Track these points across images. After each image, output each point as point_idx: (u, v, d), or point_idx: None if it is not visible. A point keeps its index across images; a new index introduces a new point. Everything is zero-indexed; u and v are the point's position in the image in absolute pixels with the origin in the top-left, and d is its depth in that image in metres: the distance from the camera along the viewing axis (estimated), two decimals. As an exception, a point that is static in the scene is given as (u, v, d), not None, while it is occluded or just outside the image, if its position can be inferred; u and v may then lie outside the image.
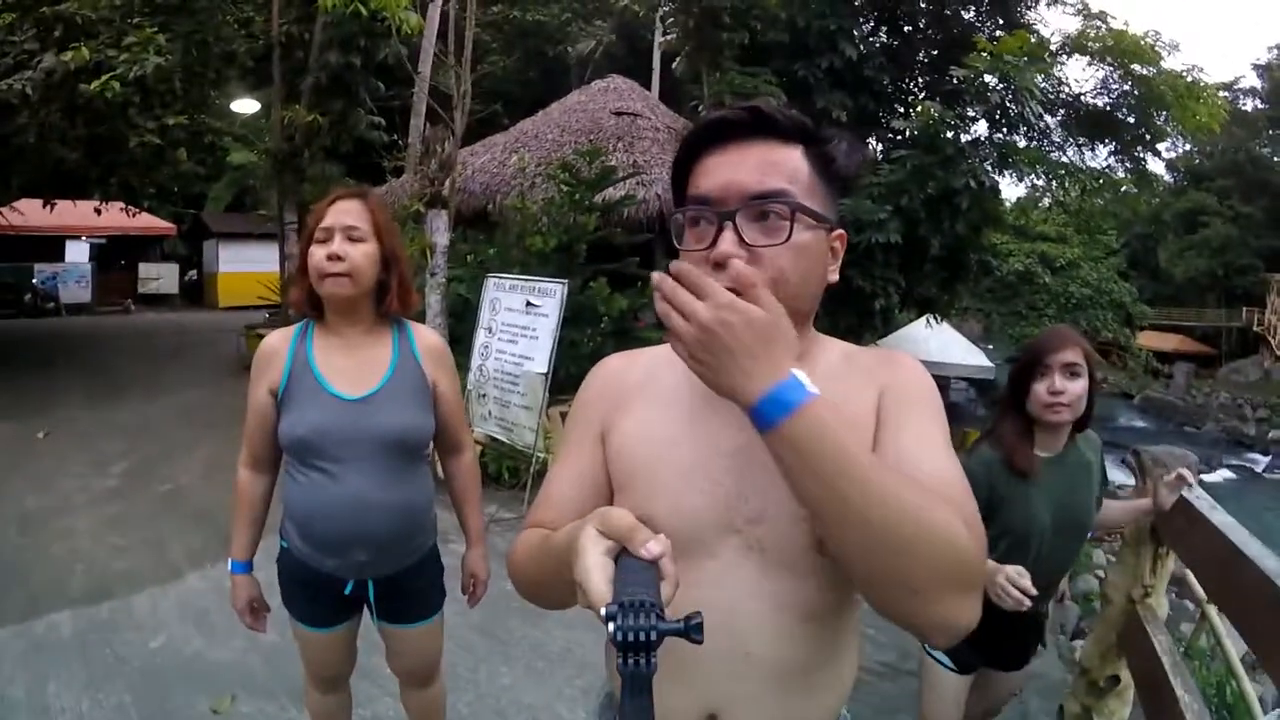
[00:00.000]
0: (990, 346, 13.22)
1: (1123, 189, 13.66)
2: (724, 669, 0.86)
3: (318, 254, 1.58)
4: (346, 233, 1.59)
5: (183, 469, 5.86)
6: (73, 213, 13.81)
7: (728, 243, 0.79)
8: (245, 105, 11.15)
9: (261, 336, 9.20)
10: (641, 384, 0.94)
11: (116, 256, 18.73)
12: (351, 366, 1.63)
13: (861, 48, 8.68)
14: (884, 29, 10.22)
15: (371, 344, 1.67)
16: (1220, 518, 1.69)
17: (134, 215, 12.95)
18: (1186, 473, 1.96)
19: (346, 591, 1.72)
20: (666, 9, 9.13)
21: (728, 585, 0.85)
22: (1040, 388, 1.78)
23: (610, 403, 0.97)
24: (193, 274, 20.14)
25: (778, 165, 0.82)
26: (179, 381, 9.22)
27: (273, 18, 9.40)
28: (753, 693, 0.87)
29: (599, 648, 3.66)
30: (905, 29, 10.31)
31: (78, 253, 17.68)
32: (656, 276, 0.72)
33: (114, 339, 12.88)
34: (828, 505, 0.68)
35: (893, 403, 0.84)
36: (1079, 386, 1.77)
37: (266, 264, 12.09)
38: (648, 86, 13.61)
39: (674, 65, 9.83)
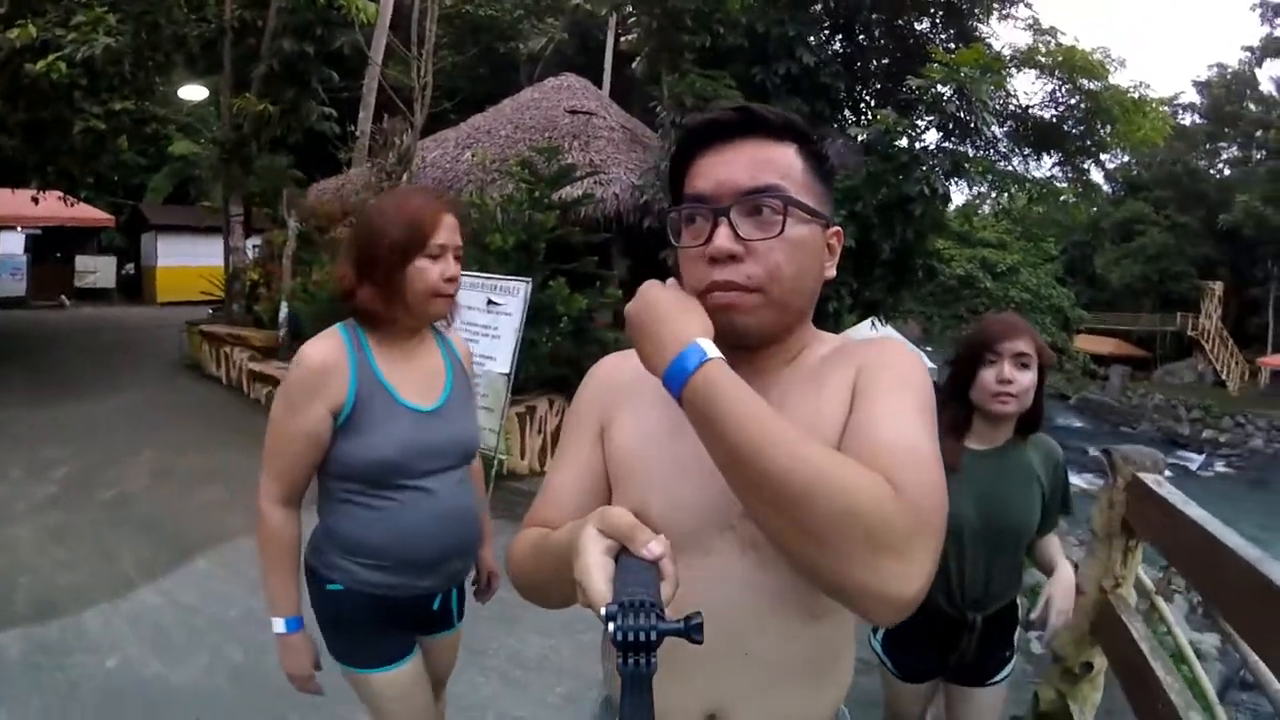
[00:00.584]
0: (930, 348, 13.57)
1: (1064, 198, 14.14)
2: (723, 667, 0.87)
3: (432, 271, 1.48)
4: (456, 252, 1.53)
5: (128, 474, 5.60)
6: (9, 201, 13.14)
7: (722, 238, 0.81)
8: (193, 92, 10.81)
9: (205, 333, 8.99)
10: (638, 382, 0.93)
11: (52, 249, 17.84)
12: (416, 377, 1.56)
13: (818, 55, 8.79)
14: (840, 37, 10.38)
15: (426, 352, 1.61)
16: (1195, 511, 1.69)
17: (72, 205, 12.37)
18: (1068, 613, 1.83)
19: (435, 607, 1.64)
20: (628, 9, 9.11)
21: (725, 582, 0.86)
22: (988, 375, 1.70)
23: (608, 401, 0.98)
24: (130, 267, 19.31)
25: (770, 162, 0.84)
26: (119, 381, 8.80)
27: (225, 1, 9.11)
28: (752, 690, 0.88)
29: (577, 655, 3.55)
30: (860, 38, 10.50)
31: (12, 244, 16.83)
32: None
33: (50, 335, 12.28)
34: (726, 461, 0.71)
35: (865, 378, 0.85)
36: (1028, 378, 1.70)
37: (209, 258, 11.72)
38: (599, 85, 13.60)
39: (633, 65, 9.83)
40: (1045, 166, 12.77)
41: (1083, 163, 12.57)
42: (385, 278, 1.47)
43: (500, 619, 3.08)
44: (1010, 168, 12.52)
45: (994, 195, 13.27)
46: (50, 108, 7.62)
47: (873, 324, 9.12)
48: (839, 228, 0.91)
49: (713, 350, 0.74)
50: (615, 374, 1.00)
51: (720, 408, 0.70)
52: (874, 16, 10.17)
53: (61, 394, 7.95)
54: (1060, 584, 1.81)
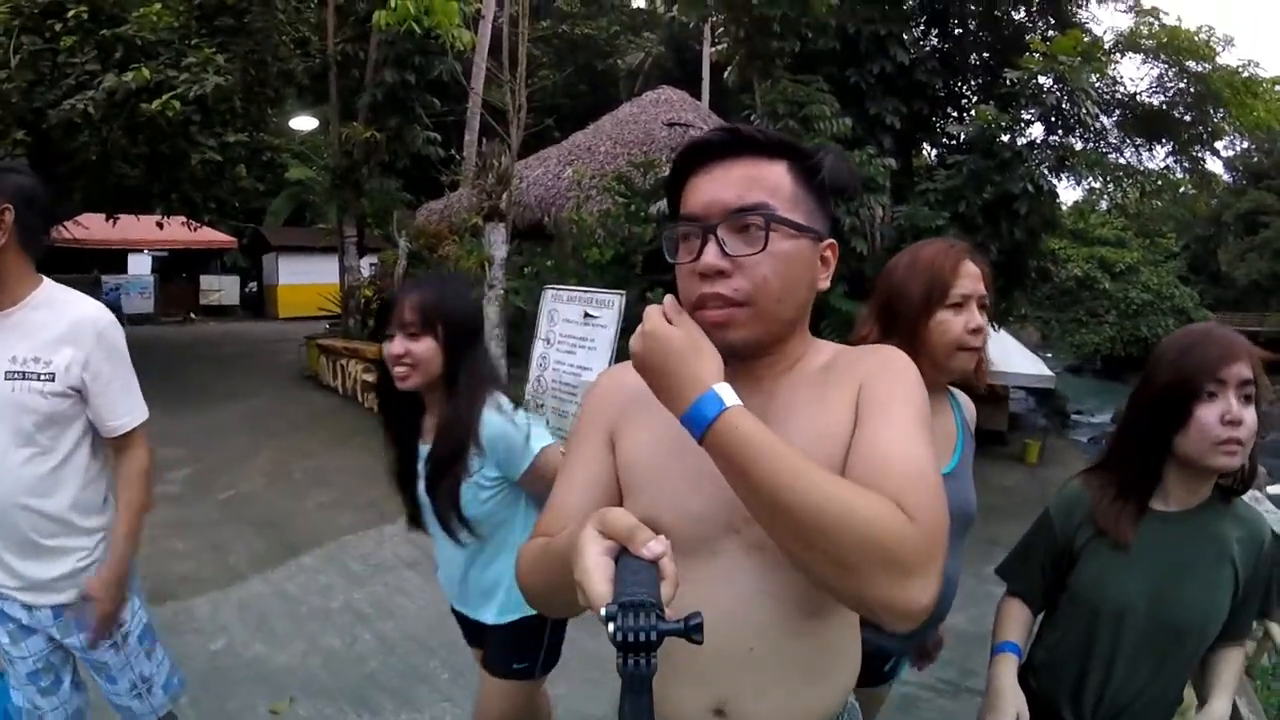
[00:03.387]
0: (1049, 355, 12.88)
1: (1181, 190, 13.28)
2: (729, 664, 0.89)
3: (955, 324, 1.43)
4: (980, 301, 1.46)
5: (245, 476, 5.96)
6: (135, 226, 14.30)
7: (710, 254, 0.85)
8: (303, 122, 11.52)
9: (322, 346, 9.52)
10: (644, 393, 0.93)
11: (178, 269, 19.47)
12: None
13: (913, 52, 8.57)
14: (935, 32, 10.08)
15: (940, 411, 1.57)
16: None
17: (195, 229, 13.39)
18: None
19: None
20: (716, 19, 9.15)
21: (731, 583, 0.88)
22: (1209, 414, 1.22)
23: (616, 411, 0.99)
24: (253, 286, 20.83)
25: (758, 180, 0.86)
26: (240, 390, 9.36)
27: (328, 37, 9.68)
28: (758, 686, 0.90)
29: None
30: (956, 32, 10.16)
31: (140, 265, 18.41)
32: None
33: (176, 348, 13.26)
34: (753, 501, 0.76)
35: (867, 395, 0.87)
36: (1254, 415, 1.23)
37: (325, 276, 12.41)
38: (698, 97, 13.66)
39: (725, 75, 9.84)
40: (1159, 157, 12.03)
41: (1198, 151, 11.80)
42: (908, 332, 1.43)
43: (580, 622, 3.09)
44: (1121, 160, 11.85)
45: (1108, 190, 12.55)
46: (168, 142, 8.25)
47: (986, 330, 8.79)
48: (833, 240, 0.94)
49: (730, 397, 0.77)
50: (621, 385, 1.01)
51: (743, 453, 0.74)
52: (969, 8, 9.84)
53: (185, 401, 8.49)
54: None
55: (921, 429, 0.84)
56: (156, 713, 1.86)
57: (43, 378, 1.57)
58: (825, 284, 0.94)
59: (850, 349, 0.99)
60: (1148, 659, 1.31)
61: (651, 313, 0.84)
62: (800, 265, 0.88)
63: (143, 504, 1.77)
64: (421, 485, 1.67)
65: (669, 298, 0.86)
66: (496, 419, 1.62)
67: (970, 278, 1.44)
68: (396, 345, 1.60)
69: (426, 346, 1.59)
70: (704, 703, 0.91)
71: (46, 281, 1.66)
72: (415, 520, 1.78)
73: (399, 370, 1.61)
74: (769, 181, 0.87)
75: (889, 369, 0.90)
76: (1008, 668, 1.39)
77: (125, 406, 1.73)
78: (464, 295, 1.80)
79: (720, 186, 0.87)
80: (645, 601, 0.61)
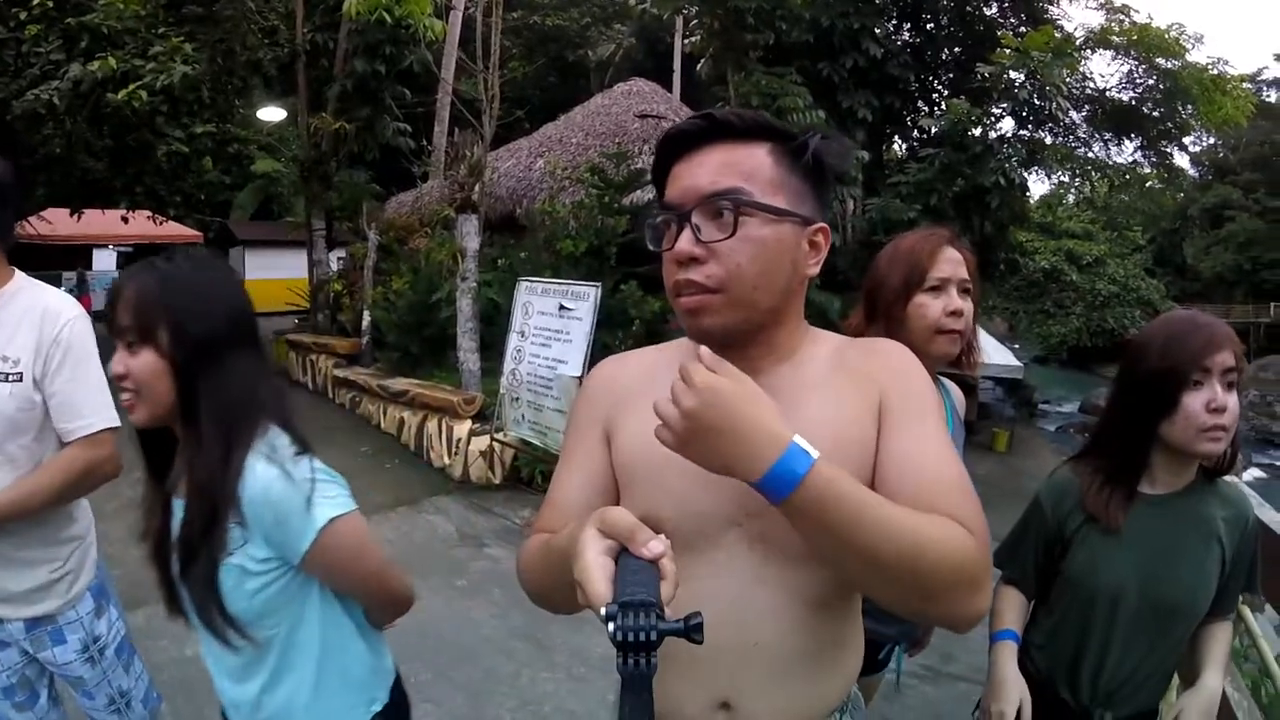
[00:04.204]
0: (1016, 345, 13.09)
1: (1149, 184, 13.57)
2: (733, 659, 0.88)
3: (933, 307, 1.43)
4: (961, 286, 1.45)
5: None
6: (100, 221, 14.00)
7: (683, 241, 0.84)
8: (271, 113, 11.28)
9: (292, 342, 9.39)
10: (641, 385, 0.95)
11: (144, 264, 19.08)
12: None
13: (885, 46, 8.62)
14: (907, 27, 10.17)
15: None
16: (1270, 515, 1.59)
17: (160, 224, 13.09)
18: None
19: None
20: (690, 11, 9.15)
21: (733, 576, 0.87)
22: (1195, 402, 1.25)
23: (610, 404, 0.98)
24: (220, 280, 20.47)
25: (734, 165, 0.85)
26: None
27: (297, 26, 9.48)
28: (763, 680, 0.89)
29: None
30: (929, 27, 10.26)
31: (105, 262, 17.99)
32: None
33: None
34: (839, 553, 0.74)
35: (894, 405, 0.87)
36: (1235, 403, 1.26)
37: (293, 270, 12.20)
38: (669, 89, 13.64)
39: (698, 67, 9.85)
40: (1127, 152, 12.28)
41: (1165, 146, 12.06)
42: (886, 317, 1.45)
43: (570, 618, 3.10)
44: (1090, 154, 12.06)
45: (1076, 184, 12.79)
46: (133, 133, 8.11)
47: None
48: (824, 225, 0.90)
49: (812, 448, 0.72)
50: (616, 377, 1.00)
51: (837, 511, 0.71)
52: (941, 3, 9.94)
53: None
54: (1197, 703, 1.32)
55: (947, 437, 0.86)
56: None
57: (10, 378, 1.47)
58: (814, 270, 0.91)
59: (852, 343, 0.97)
60: (1142, 639, 1.34)
61: (695, 368, 0.73)
62: (778, 251, 0.86)
63: (40, 494, 1.52)
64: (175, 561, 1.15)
65: (704, 348, 0.77)
66: (264, 472, 1.07)
67: (950, 262, 1.44)
68: (115, 362, 1.10)
69: (146, 363, 1.07)
70: (708, 699, 0.90)
71: (19, 274, 1.55)
72: (173, 604, 1.23)
73: (124, 398, 1.12)
74: (745, 166, 0.85)
75: (909, 375, 0.90)
76: (1008, 655, 1.40)
77: (83, 409, 1.54)
78: (205, 283, 1.16)
79: (696, 173, 0.86)
80: (645, 601, 0.61)
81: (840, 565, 0.78)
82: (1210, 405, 1.24)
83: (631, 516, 0.69)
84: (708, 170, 0.85)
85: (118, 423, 1.58)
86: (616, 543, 0.68)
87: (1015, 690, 1.34)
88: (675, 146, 0.89)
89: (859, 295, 1.59)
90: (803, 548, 0.83)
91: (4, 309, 1.50)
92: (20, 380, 1.47)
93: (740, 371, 0.75)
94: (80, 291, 16.89)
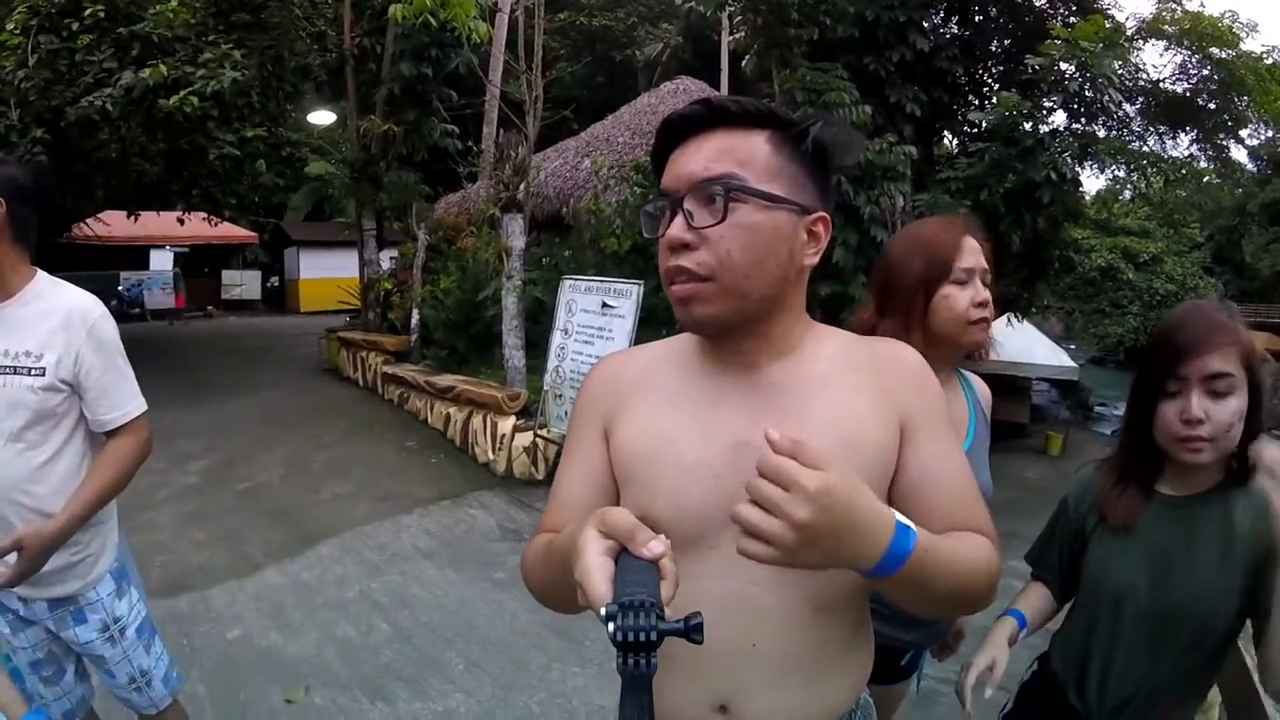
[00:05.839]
0: (1073, 346, 12.71)
1: (1206, 179, 13.08)
2: (732, 660, 0.87)
3: (960, 298, 1.41)
4: (984, 276, 1.44)
5: (263, 467, 5.99)
6: (156, 223, 14.54)
7: (675, 227, 0.84)
8: (321, 117, 11.58)
9: (342, 339, 9.61)
10: (641, 381, 0.95)
11: (200, 265, 19.68)
12: None
13: (933, 39, 8.46)
14: (955, 19, 9.95)
15: (948, 392, 1.53)
16: None
17: (216, 225, 13.55)
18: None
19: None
20: (734, 8, 9.10)
21: (731, 576, 0.86)
22: (1169, 411, 1.21)
23: (611, 401, 0.97)
24: (274, 280, 21.07)
25: (729, 151, 0.84)
26: (260, 382, 9.43)
27: (344, 31, 9.72)
28: (762, 683, 0.88)
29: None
30: (977, 19, 10.03)
31: (162, 261, 18.62)
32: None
33: (198, 342, 13.45)
34: (917, 598, 0.81)
35: (919, 417, 0.89)
36: (1228, 410, 1.19)
37: (346, 270, 12.50)
38: (717, 87, 13.62)
39: (743, 64, 9.79)
40: (1183, 145, 11.85)
41: (1222, 140, 11.62)
42: (905, 309, 1.42)
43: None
44: (1145, 148, 11.68)
45: (1132, 179, 12.41)
46: (186, 138, 8.32)
47: (1008, 320, 8.68)
48: (824, 214, 0.88)
49: (908, 521, 0.74)
50: (618, 374, 1.00)
51: (932, 570, 0.76)
52: (990, -6, 9.72)
53: (205, 394, 8.59)
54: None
55: (958, 442, 0.94)
56: (157, 705, 1.86)
57: (33, 372, 1.56)
58: (812, 260, 0.89)
59: (859, 340, 0.96)
60: (1145, 646, 1.27)
61: (797, 471, 0.66)
62: (772, 238, 0.84)
63: (110, 485, 1.66)
64: None
65: (770, 430, 0.70)
66: None
67: (972, 252, 1.43)
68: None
69: None
70: (706, 700, 0.89)
71: (40, 274, 1.65)
72: None
73: None
74: (741, 152, 0.84)
75: (927, 384, 0.92)
76: (1002, 627, 1.42)
77: (119, 399, 1.68)
78: None
79: (692, 159, 0.85)
80: (645, 601, 0.61)
81: (905, 603, 0.83)
82: (1182, 415, 1.20)
83: (632, 517, 0.69)
84: (703, 156, 0.84)
85: (144, 406, 1.74)
86: (617, 543, 0.68)
87: (990, 655, 1.36)
88: (675, 133, 0.89)
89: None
90: None
91: (28, 307, 1.60)
92: (43, 375, 1.57)
93: (824, 452, 0.68)
94: (177, 289, 17.59)
